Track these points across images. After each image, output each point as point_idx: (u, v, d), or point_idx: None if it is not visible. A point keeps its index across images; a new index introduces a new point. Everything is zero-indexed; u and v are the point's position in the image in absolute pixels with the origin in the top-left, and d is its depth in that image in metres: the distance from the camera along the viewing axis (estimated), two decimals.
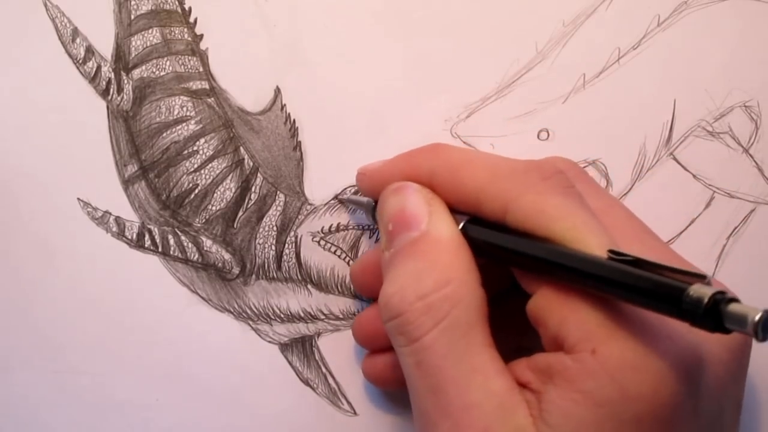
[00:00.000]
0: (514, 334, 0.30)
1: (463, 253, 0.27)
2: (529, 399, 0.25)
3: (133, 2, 0.36)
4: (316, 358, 0.37)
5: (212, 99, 0.36)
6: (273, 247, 0.36)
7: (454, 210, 0.29)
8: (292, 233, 0.36)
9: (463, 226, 0.28)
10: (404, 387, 0.29)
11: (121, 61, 0.36)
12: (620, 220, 0.29)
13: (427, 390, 0.26)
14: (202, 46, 0.36)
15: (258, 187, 0.36)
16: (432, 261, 0.27)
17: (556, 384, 0.24)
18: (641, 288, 0.22)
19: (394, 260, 0.28)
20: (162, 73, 0.36)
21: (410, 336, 0.26)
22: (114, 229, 0.36)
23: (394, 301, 0.27)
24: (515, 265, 0.27)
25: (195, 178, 0.36)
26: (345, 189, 0.36)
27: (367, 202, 0.33)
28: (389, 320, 0.27)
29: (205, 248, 0.36)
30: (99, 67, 0.36)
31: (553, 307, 0.25)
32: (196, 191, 0.36)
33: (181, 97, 0.36)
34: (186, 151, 0.36)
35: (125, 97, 0.36)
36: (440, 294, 0.26)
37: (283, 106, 0.36)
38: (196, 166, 0.36)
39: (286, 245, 0.36)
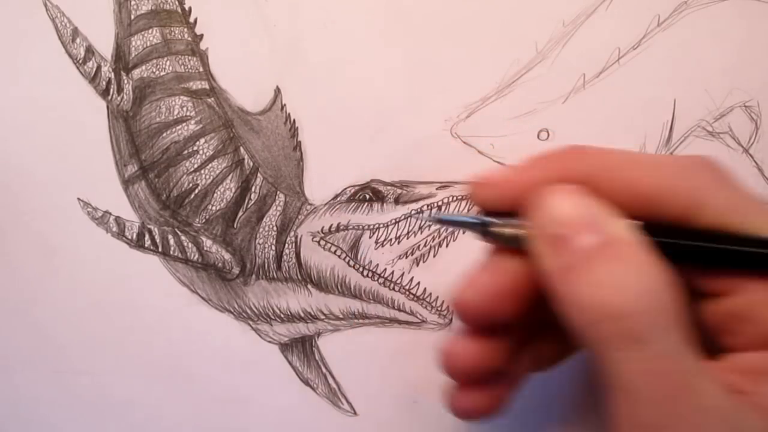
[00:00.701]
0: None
1: (654, 257, 0.25)
2: (750, 409, 0.24)
3: (133, 2, 0.36)
4: (316, 358, 0.37)
5: (212, 99, 0.36)
6: (273, 247, 0.36)
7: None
8: (292, 233, 0.36)
9: (642, 230, 0.26)
10: (491, 415, 0.28)
11: (121, 61, 0.36)
12: None
13: (661, 398, 0.24)
14: (202, 46, 0.36)
15: (258, 187, 0.36)
16: (644, 262, 0.25)
17: None
18: None
19: (585, 264, 0.25)
20: (162, 73, 0.36)
21: (640, 337, 0.24)
22: (114, 229, 0.36)
23: (612, 299, 0.24)
24: (712, 266, 0.26)
25: (195, 178, 0.36)
26: (345, 189, 0.36)
27: (480, 221, 0.28)
28: (602, 321, 0.24)
29: (205, 248, 0.36)
30: (99, 67, 0.36)
31: (765, 304, 0.24)
32: (196, 191, 0.36)
33: (181, 97, 0.36)
34: (186, 151, 0.36)
35: (125, 97, 0.36)
36: (668, 293, 0.24)
37: (283, 106, 0.36)
38: (196, 166, 0.36)
39: (286, 245, 0.36)
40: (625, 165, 0.26)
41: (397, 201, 0.36)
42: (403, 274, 0.36)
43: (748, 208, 0.25)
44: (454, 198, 0.36)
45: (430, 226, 0.36)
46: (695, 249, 0.25)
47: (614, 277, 0.25)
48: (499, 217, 0.27)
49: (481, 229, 0.27)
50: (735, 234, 0.25)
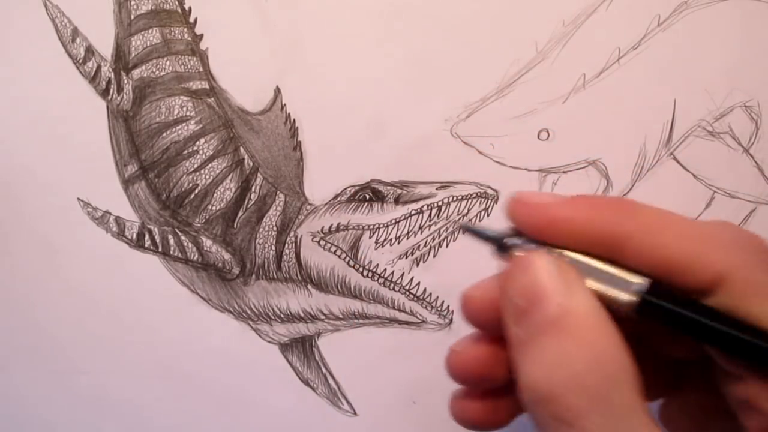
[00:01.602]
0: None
1: (611, 329, 0.25)
2: None
3: (133, 2, 0.36)
4: (316, 358, 0.37)
5: (212, 99, 0.36)
6: (273, 247, 0.36)
7: (631, 270, 0.26)
8: (292, 233, 0.36)
9: (645, 294, 0.25)
10: (500, 427, 0.28)
11: (121, 61, 0.36)
12: None
13: None
14: (202, 46, 0.36)
15: (258, 187, 0.36)
16: (581, 339, 0.25)
17: None
18: None
19: (534, 341, 0.25)
20: (162, 73, 0.36)
21: (564, 419, 0.24)
22: (114, 229, 0.36)
23: (543, 383, 0.24)
24: (725, 350, 0.25)
25: (195, 178, 0.36)
26: (345, 189, 0.36)
27: (497, 236, 0.28)
28: (536, 402, 0.25)
29: (205, 248, 0.36)
30: (99, 67, 0.36)
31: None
32: (196, 191, 0.36)
33: (181, 97, 0.36)
34: (186, 151, 0.36)
35: (125, 97, 0.36)
36: (596, 375, 0.24)
37: (283, 106, 0.36)
38: (196, 166, 0.36)
39: (286, 245, 0.36)
40: (666, 228, 0.26)
41: (397, 201, 0.36)
42: (403, 274, 0.36)
43: None
44: (454, 198, 0.36)
45: (430, 226, 0.36)
46: (702, 327, 0.25)
47: (550, 358, 0.25)
48: (521, 238, 0.27)
49: (499, 247, 0.27)
50: (738, 320, 0.24)
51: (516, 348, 0.26)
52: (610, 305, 0.25)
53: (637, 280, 0.25)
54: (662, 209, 0.26)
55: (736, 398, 0.25)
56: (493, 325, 0.28)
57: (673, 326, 0.25)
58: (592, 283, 0.26)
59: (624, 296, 0.25)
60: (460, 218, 0.36)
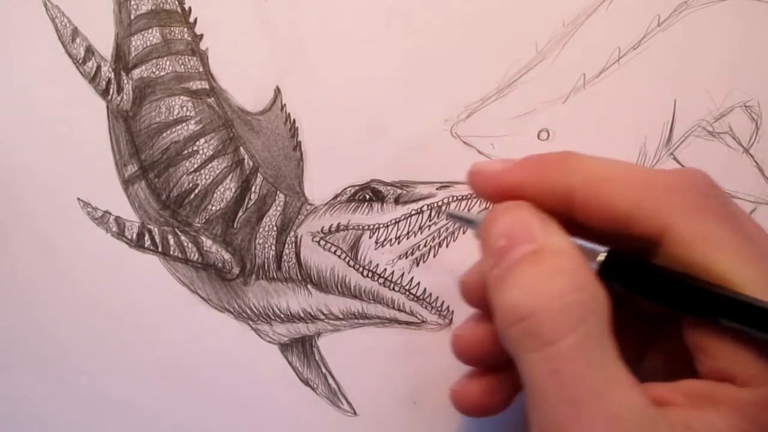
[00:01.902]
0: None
1: (587, 264, 0.26)
2: (672, 416, 0.24)
3: (133, 2, 0.36)
4: (316, 358, 0.37)
5: (212, 99, 0.36)
6: (273, 247, 0.36)
7: (591, 232, 0.27)
8: (292, 233, 0.36)
9: (605, 260, 0.26)
10: (499, 412, 0.28)
11: (121, 61, 0.36)
12: (764, 239, 0.27)
13: (563, 400, 0.24)
14: (202, 46, 0.36)
15: (258, 187, 0.36)
16: (560, 267, 0.25)
17: (720, 411, 0.24)
18: None
19: (513, 269, 0.26)
20: (162, 73, 0.36)
21: (544, 339, 0.24)
22: (114, 229, 0.36)
23: (524, 301, 0.25)
24: (676, 308, 0.26)
25: (195, 178, 0.36)
26: (345, 189, 0.36)
27: (478, 218, 0.29)
28: (516, 323, 0.25)
29: (205, 248, 0.36)
30: (99, 67, 0.36)
31: (723, 341, 0.25)
32: (196, 191, 0.36)
33: (181, 97, 0.36)
34: (186, 151, 0.36)
35: (125, 97, 0.36)
36: (576, 297, 0.25)
37: (283, 106, 0.36)
38: (196, 166, 0.36)
39: (286, 245, 0.36)
40: (609, 179, 0.26)
41: (397, 201, 0.36)
42: (403, 274, 0.36)
43: (716, 241, 0.24)
44: (454, 198, 0.36)
45: (430, 226, 0.36)
46: (665, 288, 0.25)
47: (530, 280, 0.25)
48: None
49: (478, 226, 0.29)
50: (681, 275, 0.25)
51: (494, 286, 0.27)
52: None
53: (597, 248, 0.26)
54: (609, 159, 0.27)
55: (692, 345, 0.26)
56: (487, 302, 0.28)
57: (630, 290, 0.26)
58: None
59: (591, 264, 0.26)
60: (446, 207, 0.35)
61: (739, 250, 0.24)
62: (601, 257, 0.26)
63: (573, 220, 0.27)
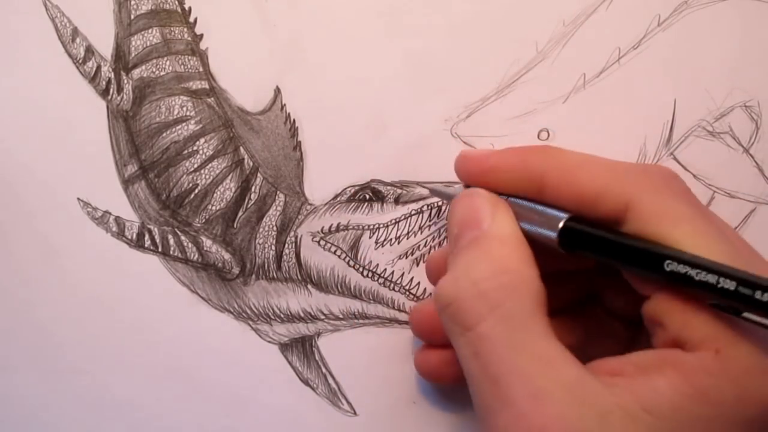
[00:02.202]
0: (578, 346, 0.30)
1: (521, 249, 0.28)
2: (618, 384, 0.25)
3: (133, 2, 0.36)
4: (316, 358, 0.37)
5: (212, 99, 0.36)
6: (273, 247, 0.36)
7: (556, 208, 0.29)
8: (292, 233, 0.36)
9: (565, 224, 0.28)
10: (456, 383, 0.29)
11: (121, 61, 0.36)
12: (729, 231, 0.29)
13: (487, 380, 0.25)
14: (202, 46, 0.36)
15: (258, 187, 0.36)
16: (488, 253, 0.27)
17: (666, 376, 0.24)
18: (761, 301, 0.23)
19: (454, 257, 0.29)
20: (162, 73, 0.36)
21: (464, 323, 0.26)
22: (114, 229, 0.36)
23: (446, 288, 0.27)
24: (627, 267, 0.27)
25: (195, 178, 0.36)
26: (345, 189, 0.36)
27: (455, 193, 0.32)
28: (443, 309, 0.27)
29: (205, 248, 0.36)
30: (99, 67, 0.36)
31: (675, 309, 0.25)
32: (196, 191, 0.36)
33: (181, 97, 0.36)
34: (186, 151, 0.36)
35: (125, 96, 0.36)
36: (495, 281, 0.26)
37: (283, 106, 0.36)
38: (196, 166, 0.36)
39: (286, 245, 0.36)
40: (579, 165, 0.28)
41: (397, 201, 0.36)
42: (403, 274, 0.36)
43: (674, 216, 0.26)
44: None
45: (430, 226, 0.36)
46: (622, 251, 0.27)
47: (457, 267, 0.28)
48: None
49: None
50: (652, 241, 0.26)
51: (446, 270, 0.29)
52: (543, 243, 0.28)
53: (559, 215, 0.28)
54: (583, 153, 0.29)
55: (648, 319, 0.27)
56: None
57: (591, 252, 0.27)
58: (526, 225, 0.29)
59: (551, 233, 0.28)
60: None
61: (695, 224, 0.25)
62: (562, 224, 0.28)
63: (545, 203, 0.29)
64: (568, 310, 0.32)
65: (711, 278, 0.24)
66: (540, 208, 0.29)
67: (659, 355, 0.25)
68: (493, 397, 0.25)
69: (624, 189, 0.27)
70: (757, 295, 0.23)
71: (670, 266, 0.24)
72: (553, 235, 0.28)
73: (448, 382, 0.33)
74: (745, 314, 0.24)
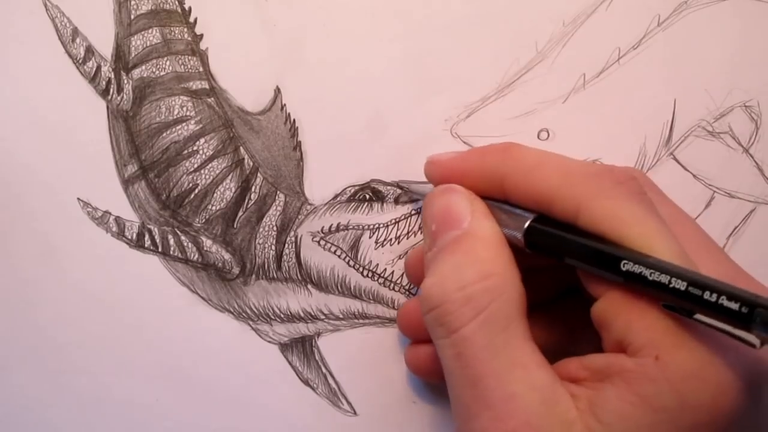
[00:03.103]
0: (561, 340, 0.30)
1: (504, 251, 0.28)
2: (578, 394, 0.25)
3: (133, 2, 0.36)
4: (316, 358, 0.37)
5: (212, 99, 0.36)
6: (273, 247, 0.36)
7: (524, 209, 0.29)
8: (292, 233, 0.36)
9: (529, 225, 0.28)
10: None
11: (121, 61, 0.36)
12: (688, 232, 0.29)
13: (466, 381, 0.26)
14: (202, 46, 0.36)
15: (258, 187, 0.36)
16: (473, 255, 0.28)
17: (614, 384, 0.25)
18: (710, 302, 0.23)
19: (436, 257, 0.29)
20: (162, 73, 0.36)
21: (449, 327, 0.27)
22: (114, 229, 0.36)
23: (433, 291, 0.27)
24: (584, 267, 0.27)
25: (195, 178, 0.36)
26: (345, 189, 0.36)
27: (425, 191, 0.33)
28: (428, 311, 0.28)
29: (205, 248, 0.36)
30: (99, 67, 0.36)
31: (620, 311, 0.26)
32: (196, 191, 0.36)
33: (181, 97, 0.36)
34: (186, 151, 0.36)
35: (125, 97, 0.36)
36: (481, 286, 0.27)
37: (283, 106, 0.36)
38: (196, 166, 0.36)
39: (286, 245, 0.36)
40: (535, 166, 0.29)
41: (397, 201, 0.36)
42: (403, 274, 0.36)
43: (622, 219, 0.26)
44: None
45: None
46: (574, 249, 0.27)
47: (443, 269, 0.28)
48: None
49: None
50: (603, 240, 0.26)
51: (426, 270, 0.29)
52: (512, 244, 0.29)
53: (525, 215, 0.28)
54: (543, 151, 0.30)
55: (596, 321, 0.27)
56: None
57: (552, 252, 0.28)
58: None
59: (517, 233, 0.28)
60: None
61: (645, 226, 0.26)
62: (527, 224, 0.28)
63: (508, 202, 0.29)
64: (550, 303, 0.32)
65: (663, 278, 0.24)
66: (507, 207, 0.29)
67: (607, 361, 0.25)
68: (473, 399, 0.26)
69: (574, 191, 0.27)
70: (706, 295, 0.23)
71: (626, 266, 0.25)
72: (519, 235, 0.28)
73: (438, 378, 0.33)
74: (697, 316, 0.24)
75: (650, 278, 0.24)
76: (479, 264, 0.27)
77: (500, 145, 0.31)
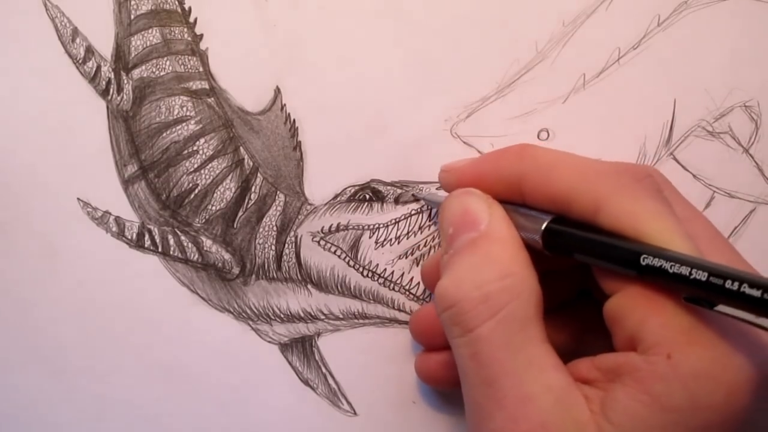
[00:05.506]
0: (571, 342, 0.30)
1: (522, 252, 0.28)
2: (591, 395, 0.25)
3: (133, 2, 0.36)
4: (316, 358, 0.37)
5: (212, 99, 0.36)
6: (273, 247, 0.36)
7: (540, 211, 0.29)
8: (292, 233, 0.36)
9: (547, 226, 0.28)
10: (456, 387, 0.29)
11: (121, 61, 0.36)
12: (703, 231, 0.29)
13: (481, 382, 0.26)
14: (202, 46, 0.36)
15: (258, 187, 0.36)
16: (491, 256, 0.28)
17: (624, 383, 0.24)
18: (732, 290, 0.23)
19: (453, 258, 0.29)
20: (162, 73, 0.36)
21: (466, 326, 0.26)
22: (114, 229, 0.36)
23: (450, 291, 0.27)
24: (602, 264, 0.27)
25: (195, 178, 0.36)
26: (345, 189, 0.36)
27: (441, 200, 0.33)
28: (444, 310, 0.27)
29: (205, 248, 0.36)
30: (99, 67, 0.36)
31: (633, 308, 0.26)
32: (196, 191, 0.36)
33: (181, 97, 0.36)
34: (186, 151, 0.36)
35: (125, 97, 0.36)
36: (499, 285, 0.27)
37: (283, 106, 0.36)
38: (196, 166, 0.36)
39: (286, 245, 0.36)
40: (553, 166, 0.29)
41: (397, 201, 0.36)
42: (403, 274, 0.36)
43: (642, 218, 0.26)
44: None
45: (430, 226, 0.36)
46: (592, 246, 0.27)
47: (460, 270, 0.28)
48: None
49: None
50: (622, 237, 0.26)
51: (442, 273, 0.29)
52: (529, 247, 0.29)
53: (542, 217, 0.28)
54: (558, 150, 0.30)
55: (608, 317, 0.27)
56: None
57: (572, 252, 0.28)
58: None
59: (535, 235, 0.28)
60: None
61: (662, 222, 0.26)
62: (544, 226, 0.28)
63: (525, 204, 0.29)
64: (565, 305, 0.32)
65: (684, 270, 0.24)
66: (523, 210, 0.29)
67: (618, 360, 0.25)
68: (487, 399, 0.25)
69: (593, 190, 0.27)
70: (728, 284, 0.23)
71: (646, 260, 0.25)
72: (537, 237, 0.28)
73: (448, 386, 0.33)
74: (719, 307, 0.23)
75: (671, 271, 0.24)
76: (497, 264, 0.27)
77: (514, 147, 0.31)
